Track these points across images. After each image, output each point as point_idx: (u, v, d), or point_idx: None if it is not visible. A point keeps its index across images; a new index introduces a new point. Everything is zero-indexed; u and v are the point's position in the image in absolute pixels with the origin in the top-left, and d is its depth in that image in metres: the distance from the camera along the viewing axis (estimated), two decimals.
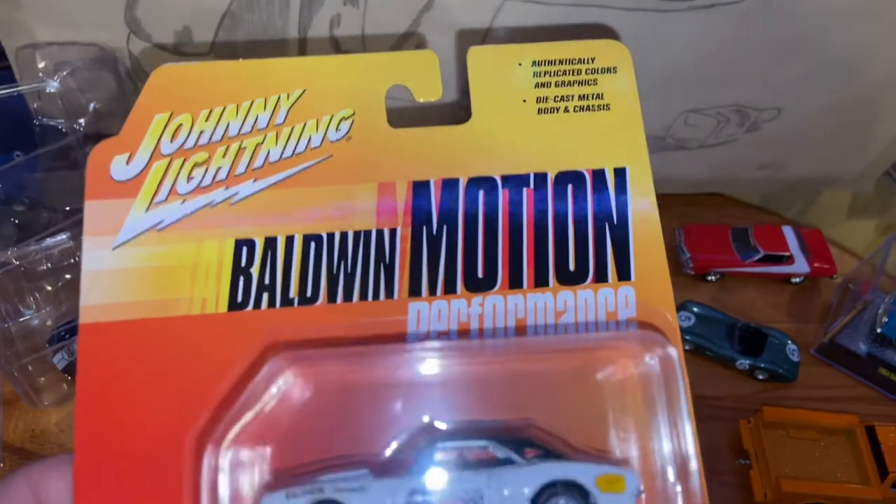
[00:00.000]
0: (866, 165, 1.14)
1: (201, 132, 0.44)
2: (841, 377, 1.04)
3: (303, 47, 0.88)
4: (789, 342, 1.03)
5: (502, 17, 0.83)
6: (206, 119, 0.44)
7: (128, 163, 0.44)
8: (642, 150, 0.46)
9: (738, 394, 1.01)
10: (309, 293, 0.43)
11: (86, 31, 0.88)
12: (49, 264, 0.87)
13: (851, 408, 0.96)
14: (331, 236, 0.44)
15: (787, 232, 1.13)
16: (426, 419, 0.42)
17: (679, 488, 0.41)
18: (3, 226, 0.93)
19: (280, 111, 0.45)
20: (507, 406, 0.43)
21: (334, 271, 0.43)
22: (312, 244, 0.44)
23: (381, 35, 0.86)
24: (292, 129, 0.45)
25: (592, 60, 0.47)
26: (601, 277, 0.44)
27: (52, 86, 0.89)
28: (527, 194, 0.45)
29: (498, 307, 0.43)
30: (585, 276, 0.44)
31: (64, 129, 0.91)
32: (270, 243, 0.44)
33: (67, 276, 0.90)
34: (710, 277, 1.12)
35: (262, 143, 0.44)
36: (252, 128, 0.44)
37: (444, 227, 0.44)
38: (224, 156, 0.44)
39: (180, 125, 0.44)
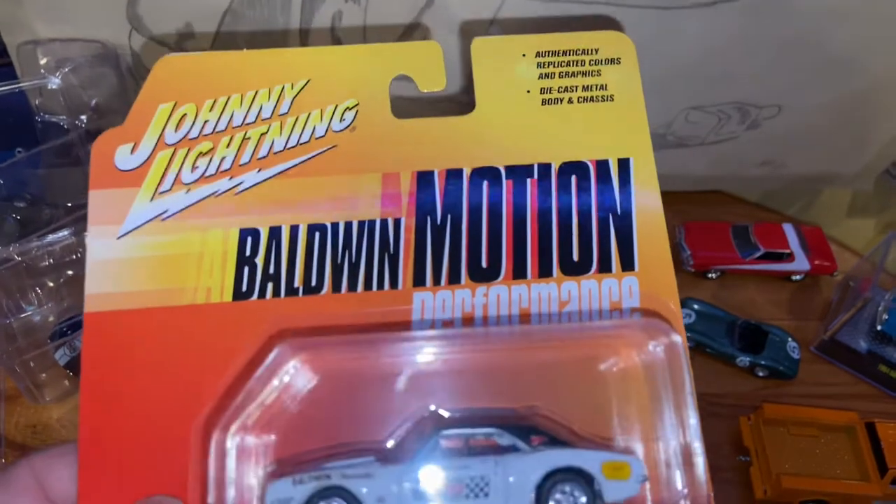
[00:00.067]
0: (866, 163, 1.14)
1: (205, 122, 0.44)
2: (841, 374, 1.04)
3: (304, 43, 0.88)
4: (790, 339, 1.03)
5: (502, 20, 0.83)
6: (211, 109, 0.44)
7: (132, 152, 0.44)
8: (646, 140, 0.46)
9: (739, 391, 1.01)
10: (313, 283, 0.43)
11: (87, 27, 0.88)
12: (51, 260, 0.87)
13: (851, 405, 0.96)
14: (335, 226, 0.44)
15: (788, 229, 1.13)
16: (432, 407, 0.42)
17: (683, 475, 0.41)
18: (4, 222, 0.93)
19: (284, 101, 0.45)
20: (513, 394, 0.43)
21: (339, 261, 0.44)
22: (317, 234, 0.44)
23: (382, 31, 0.86)
24: (296, 118, 0.45)
25: (596, 51, 0.47)
26: (605, 268, 0.44)
27: (54, 82, 0.89)
28: (531, 185, 0.45)
29: (502, 297, 0.44)
30: (589, 266, 0.44)
31: (65, 126, 0.91)
32: (275, 233, 0.44)
33: (69, 273, 0.90)
34: (710, 275, 1.12)
35: (267, 132, 0.44)
36: (256, 118, 0.45)
37: (449, 217, 0.44)
38: (228, 145, 0.44)
39: (184, 115, 0.44)
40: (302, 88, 0.45)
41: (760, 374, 1.01)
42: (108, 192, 0.43)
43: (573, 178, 0.46)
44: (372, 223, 0.44)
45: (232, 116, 0.44)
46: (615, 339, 0.43)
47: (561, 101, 0.46)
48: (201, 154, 0.44)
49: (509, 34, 0.47)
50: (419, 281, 0.43)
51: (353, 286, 0.43)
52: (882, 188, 1.20)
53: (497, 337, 0.43)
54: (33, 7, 0.85)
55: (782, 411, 0.92)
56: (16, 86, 0.88)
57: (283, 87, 0.45)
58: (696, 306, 1.05)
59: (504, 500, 0.40)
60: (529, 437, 0.41)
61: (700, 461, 0.40)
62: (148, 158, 0.44)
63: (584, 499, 0.40)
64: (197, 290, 0.43)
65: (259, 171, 0.44)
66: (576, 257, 0.44)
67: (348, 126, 0.45)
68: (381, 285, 0.43)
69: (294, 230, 0.44)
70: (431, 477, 0.40)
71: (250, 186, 0.44)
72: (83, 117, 0.91)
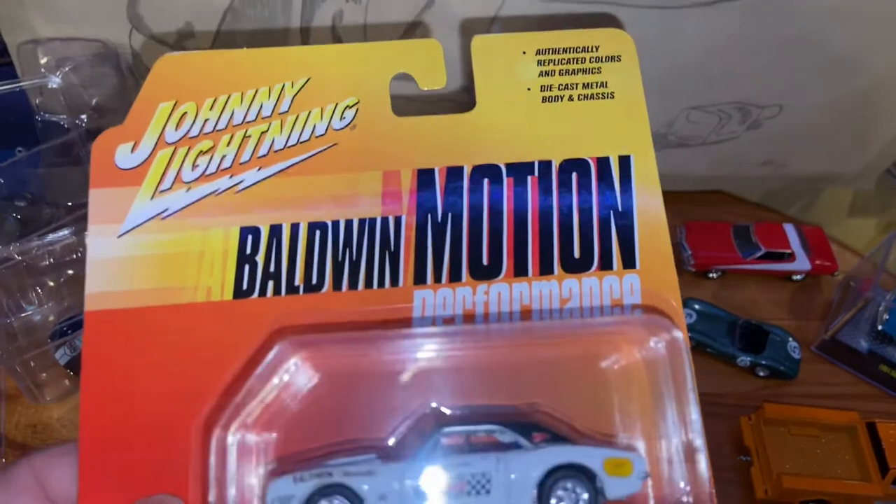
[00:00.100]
0: (867, 163, 1.14)
1: (206, 120, 0.44)
2: (842, 374, 1.04)
3: (305, 42, 0.88)
4: (790, 339, 1.03)
5: (501, 22, 0.83)
6: (211, 107, 0.44)
7: (132, 151, 0.44)
8: (647, 137, 0.46)
9: (740, 391, 1.01)
10: (314, 281, 0.43)
11: (88, 26, 0.88)
12: (51, 260, 0.87)
13: (852, 405, 0.96)
14: (336, 224, 0.44)
15: (789, 229, 1.13)
16: (433, 404, 0.42)
17: (685, 472, 0.41)
18: (5, 221, 0.93)
19: (284, 99, 0.45)
20: (514, 391, 0.43)
21: (339, 259, 0.44)
22: (317, 232, 0.44)
23: (383, 30, 0.86)
24: (297, 117, 0.45)
25: (596, 49, 0.47)
26: (606, 265, 0.44)
27: (54, 82, 0.89)
28: (531, 182, 0.45)
29: (503, 295, 0.43)
30: (590, 263, 0.44)
31: (66, 125, 0.91)
32: (275, 231, 0.44)
33: (70, 272, 0.90)
34: (711, 274, 1.12)
35: (267, 131, 0.44)
36: (257, 116, 0.45)
37: (449, 214, 0.44)
38: (229, 144, 0.44)
39: (185, 113, 0.44)
40: (302, 87, 0.45)
41: (761, 373, 1.01)
42: (108, 191, 0.43)
43: (574, 175, 0.45)
44: (372, 221, 0.44)
45: (232, 115, 0.44)
46: (616, 336, 0.43)
47: (561, 98, 0.46)
48: (202, 153, 0.44)
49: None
50: (420, 279, 0.43)
51: (353, 284, 0.43)
52: (883, 188, 1.20)
53: (498, 334, 0.43)
54: (34, 6, 0.85)
55: (783, 411, 0.92)
56: (16, 85, 0.88)
57: (283, 86, 0.45)
58: (696, 306, 1.05)
59: (506, 497, 0.40)
60: (531, 434, 0.41)
61: (702, 458, 0.40)
62: (148, 157, 0.44)
63: (586, 495, 0.40)
64: (197, 289, 0.43)
65: (259, 169, 0.44)
66: (577, 254, 0.44)
67: (349, 124, 0.45)
68: (381, 283, 0.43)
69: (295, 228, 0.44)
70: (433, 474, 0.40)
71: (251, 185, 0.44)
72: (83, 116, 0.91)
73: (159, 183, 0.43)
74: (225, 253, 0.43)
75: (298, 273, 0.43)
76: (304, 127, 0.45)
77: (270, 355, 0.41)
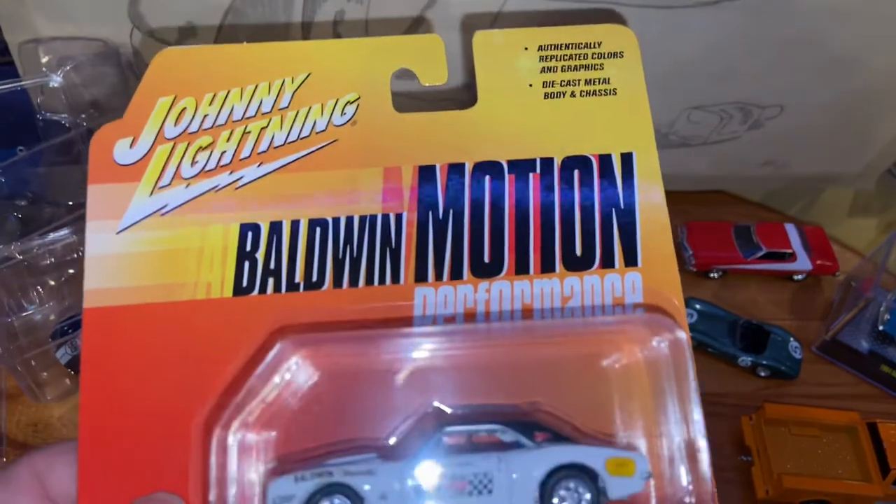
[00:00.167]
0: (868, 163, 1.14)
1: (205, 116, 0.44)
2: (843, 374, 1.04)
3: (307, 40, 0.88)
4: (791, 339, 1.03)
5: (503, 18, 0.83)
6: (210, 103, 0.44)
7: (131, 146, 0.43)
8: (649, 135, 0.46)
9: (740, 391, 1.00)
10: (315, 278, 0.43)
11: (89, 26, 0.88)
12: (52, 259, 0.87)
13: (853, 405, 0.96)
14: (336, 221, 0.44)
15: (790, 229, 1.13)
16: (435, 404, 0.42)
17: (687, 471, 0.41)
18: (6, 220, 0.93)
19: (285, 95, 0.45)
20: (515, 390, 0.43)
21: (340, 256, 0.43)
22: (318, 229, 0.44)
23: (385, 28, 0.86)
24: (297, 112, 0.45)
25: (599, 45, 0.47)
26: (608, 263, 0.44)
27: (56, 81, 0.88)
28: (533, 179, 0.45)
29: (504, 293, 0.43)
30: (592, 261, 0.44)
31: (67, 124, 0.91)
32: (276, 228, 0.43)
33: (70, 271, 0.90)
34: (712, 274, 1.12)
35: (267, 126, 0.44)
36: (257, 111, 0.44)
37: (451, 212, 0.44)
38: (228, 140, 0.44)
39: (184, 109, 0.44)
40: (302, 82, 0.45)
41: (762, 374, 1.01)
42: (107, 187, 0.43)
43: (576, 172, 0.45)
44: (373, 218, 0.44)
45: (232, 110, 0.44)
46: (618, 335, 0.43)
47: (563, 94, 0.46)
48: (201, 148, 0.44)
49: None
50: (421, 276, 0.43)
51: (354, 281, 0.43)
52: (884, 188, 1.20)
53: (499, 333, 0.43)
54: (35, 5, 0.85)
55: (784, 411, 0.92)
56: (17, 84, 0.88)
57: (283, 81, 0.45)
58: (697, 306, 1.05)
59: (508, 497, 0.40)
60: (533, 433, 0.41)
61: (704, 457, 0.40)
62: (147, 153, 0.43)
63: (588, 495, 0.40)
64: (197, 286, 0.42)
65: (259, 165, 0.44)
66: (578, 252, 0.44)
67: (349, 120, 0.45)
68: (382, 280, 0.43)
69: (295, 225, 0.44)
70: (434, 474, 0.40)
71: (251, 181, 0.44)
72: (84, 116, 0.91)
73: (158, 179, 0.43)
74: (225, 249, 0.43)
75: (299, 270, 0.43)
76: (304, 123, 0.44)
77: (271, 354, 0.41)
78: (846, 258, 1.16)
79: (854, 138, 1.10)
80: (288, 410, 0.42)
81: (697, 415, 0.41)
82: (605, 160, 0.45)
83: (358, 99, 0.45)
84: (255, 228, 0.43)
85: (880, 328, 1.02)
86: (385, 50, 0.46)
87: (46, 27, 0.87)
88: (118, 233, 0.43)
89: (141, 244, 0.43)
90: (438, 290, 0.43)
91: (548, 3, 0.82)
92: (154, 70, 0.44)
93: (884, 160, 1.13)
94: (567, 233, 0.44)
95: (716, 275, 1.12)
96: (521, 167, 0.45)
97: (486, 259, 0.44)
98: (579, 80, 0.46)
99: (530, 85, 0.46)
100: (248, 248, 0.43)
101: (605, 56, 0.47)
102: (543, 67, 0.46)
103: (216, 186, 0.44)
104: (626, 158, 0.45)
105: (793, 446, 0.90)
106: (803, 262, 1.11)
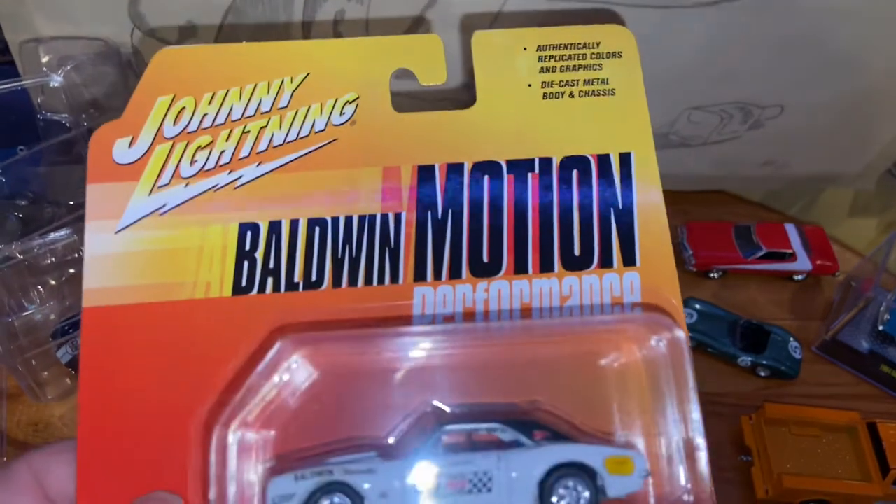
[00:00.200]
0: (868, 163, 1.14)
1: (204, 115, 0.44)
2: (843, 374, 1.04)
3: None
4: (791, 339, 1.03)
5: (503, 18, 0.83)
6: (210, 102, 0.44)
7: (130, 146, 0.43)
8: (647, 135, 0.46)
9: (740, 391, 1.00)
10: (314, 278, 0.43)
11: (89, 25, 0.88)
12: (53, 259, 0.87)
13: (853, 405, 0.96)
14: (335, 221, 0.44)
15: (790, 229, 1.13)
16: (434, 402, 0.42)
17: (686, 470, 0.41)
18: (6, 220, 0.93)
19: (284, 94, 0.45)
20: (514, 389, 0.43)
21: (339, 256, 0.43)
22: (317, 228, 0.44)
23: (385, 28, 0.86)
24: (296, 112, 0.45)
25: (597, 45, 0.47)
26: (606, 263, 0.44)
27: (56, 80, 0.89)
28: (532, 179, 0.45)
29: (503, 292, 0.43)
30: (591, 261, 0.44)
31: (67, 124, 0.91)
32: (275, 227, 0.43)
33: (71, 271, 0.90)
34: (712, 274, 1.12)
35: (266, 126, 0.44)
36: (256, 111, 0.44)
37: (450, 211, 0.44)
38: (227, 139, 0.44)
39: (183, 108, 0.44)
40: (301, 82, 0.45)
41: (762, 373, 1.01)
42: (106, 186, 0.43)
43: (574, 172, 0.45)
44: (372, 217, 0.44)
45: (231, 110, 0.44)
46: (617, 334, 0.43)
47: (562, 95, 0.46)
48: (200, 148, 0.44)
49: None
50: (420, 276, 0.43)
51: (353, 281, 0.43)
52: (884, 188, 1.20)
53: (498, 332, 0.43)
54: (36, 5, 0.85)
55: (784, 411, 0.92)
56: (18, 83, 0.88)
57: (282, 81, 0.45)
58: (697, 306, 1.05)
59: (507, 496, 0.40)
60: (532, 432, 0.41)
61: (702, 456, 0.40)
62: (146, 152, 0.43)
63: (587, 494, 0.40)
64: (196, 285, 0.42)
65: (258, 164, 0.44)
66: (577, 252, 0.44)
67: (348, 120, 0.45)
68: (381, 280, 0.43)
69: (294, 224, 0.44)
70: (434, 472, 0.40)
71: (250, 180, 0.44)
72: (85, 115, 0.91)
73: (157, 178, 0.43)
74: (224, 249, 0.43)
75: (298, 269, 0.43)
76: (303, 122, 0.45)
77: (271, 353, 0.41)
78: (846, 258, 1.16)
79: (854, 138, 1.10)
80: (287, 409, 0.42)
81: (696, 414, 0.41)
82: (603, 160, 0.45)
83: (357, 98, 0.45)
84: (255, 228, 0.43)
85: (880, 328, 1.02)
86: (384, 50, 0.46)
87: (47, 27, 0.87)
88: (117, 232, 0.43)
89: (140, 243, 0.43)
90: (437, 290, 0.43)
91: (547, 3, 0.82)
92: (153, 69, 0.44)
93: (884, 160, 1.13)
94: (566, 232, 0.44)
95: (716, 275, 1.12)
96: (520, 167, 0.45)
97: (485, 259, 0.44)
98: (578, 81, 0.46)
99: (529, 85, 0.46)
100: (248, 247, 0.43)
101: (604, 56, 0.47)
102: (542, 67, 0.46)
103: (215, 186, 0.44)
104: (625, 158, 0.46)
105: (793, 446, 0.90)
106: (803, 262, 1.11)
